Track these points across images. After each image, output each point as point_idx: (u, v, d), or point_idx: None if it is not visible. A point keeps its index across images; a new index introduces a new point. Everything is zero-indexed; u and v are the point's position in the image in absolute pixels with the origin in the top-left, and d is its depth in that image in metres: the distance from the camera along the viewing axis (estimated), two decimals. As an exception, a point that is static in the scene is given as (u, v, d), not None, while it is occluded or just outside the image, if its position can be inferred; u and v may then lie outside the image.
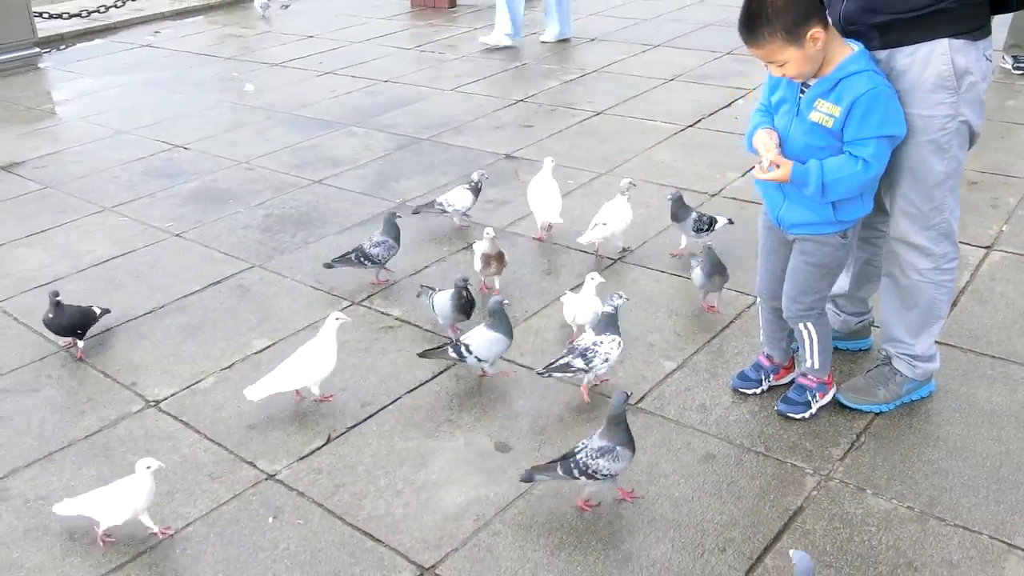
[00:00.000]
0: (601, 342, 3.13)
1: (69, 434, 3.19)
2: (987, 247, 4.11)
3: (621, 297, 3.18)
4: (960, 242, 3.89)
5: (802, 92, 2.66)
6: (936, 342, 3.04)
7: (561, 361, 3.13)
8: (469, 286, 3.51)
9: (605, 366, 3.14)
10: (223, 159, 5.81)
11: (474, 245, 4.03)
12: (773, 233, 2.97)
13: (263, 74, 7.85)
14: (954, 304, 3.64)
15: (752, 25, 2.53)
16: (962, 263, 3.92)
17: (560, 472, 2.65)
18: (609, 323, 3.14)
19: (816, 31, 2.49)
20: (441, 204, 4.50)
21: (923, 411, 3.06)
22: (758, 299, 3.20)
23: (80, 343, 3.64)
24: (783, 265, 2.97)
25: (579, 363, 3.11)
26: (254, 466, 2.98)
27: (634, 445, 2.66)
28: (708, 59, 7.47)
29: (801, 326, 2.97)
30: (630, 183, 4.22)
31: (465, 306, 3.50)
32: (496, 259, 3.82)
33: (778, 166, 2.64)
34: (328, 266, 4.07)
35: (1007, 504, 2.64)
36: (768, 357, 3.19)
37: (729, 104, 6.26)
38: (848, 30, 2.64)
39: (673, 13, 9.29)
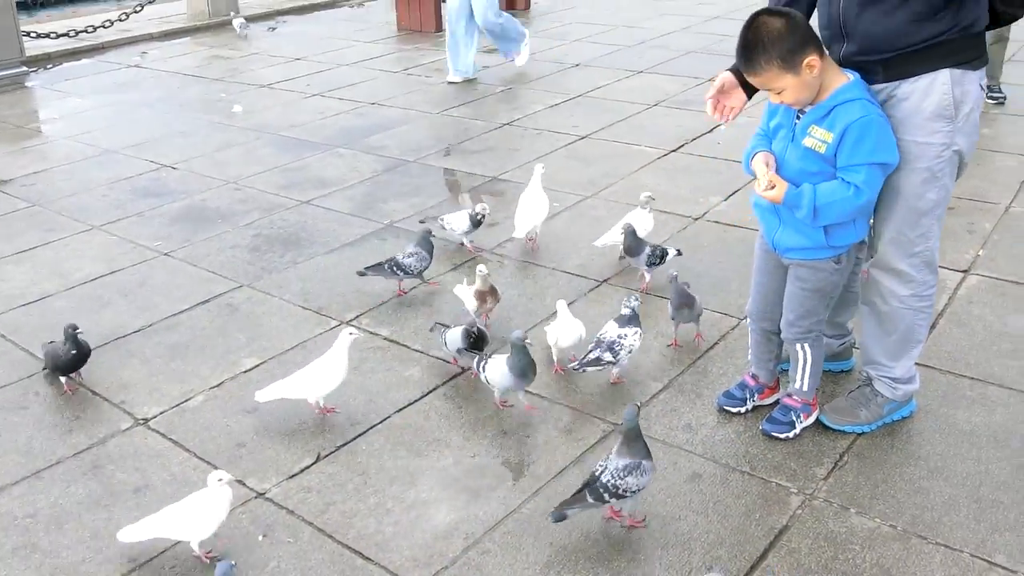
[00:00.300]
0: (625, 335, 3.36)
1: (57, 452, 3.19)
2: (964, 271, 4.19)
3: (637, 299, 3.40)
4: (938, 266, 3.98)
5: (798, 118, 2.72)
6: (916, 364, 3.11)
7: (592, 356, 3.33)
8: (477, 327, 3.50)
9: (628, 357, 3.37)
10: (211, 179, 5.84)
11: (456, 289, 3.92)
12: (768, 256, 3.03)
13: (251, 95, 7.89)
14: (933, 327, 3.70)
15: (749, 54, 2.60)
16: (940, 287, 3.97)
17: (590, 499, 2.64)
18: (632, 319, 3.38)
19: (812, 59, 2.56)
20: (443, 221, 4.59)
21: (904, 431, 3.12)
22: (748, 319, 3.25)
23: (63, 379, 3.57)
24: (776, 287, 3.03)
25: (608, 356, 3.33)
26: (244, 484, 3.00)
27: (652, 456, 2.69)
28: (690, 85, 7.58)
29: (798, 347, 3.02)
30: (649, 196, 4.40)
31: (476, 343, 3.47)
32: (491, 294, 3.77)
33: (774, 186, 2.71)
34: (361, 274, 4.13)
35: (987, 523, 2.69)
36: (754, 376, 3.24)
37: (711, 130, 6.35)
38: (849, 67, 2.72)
39: (656, 40, 9.43)
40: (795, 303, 2.96)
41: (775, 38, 2.55)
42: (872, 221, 2.91)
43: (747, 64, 2.63)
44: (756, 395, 3.23)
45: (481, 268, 3.79)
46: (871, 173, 2.64)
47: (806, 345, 3.01)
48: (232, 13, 10.92)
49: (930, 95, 2.66)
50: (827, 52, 2.68)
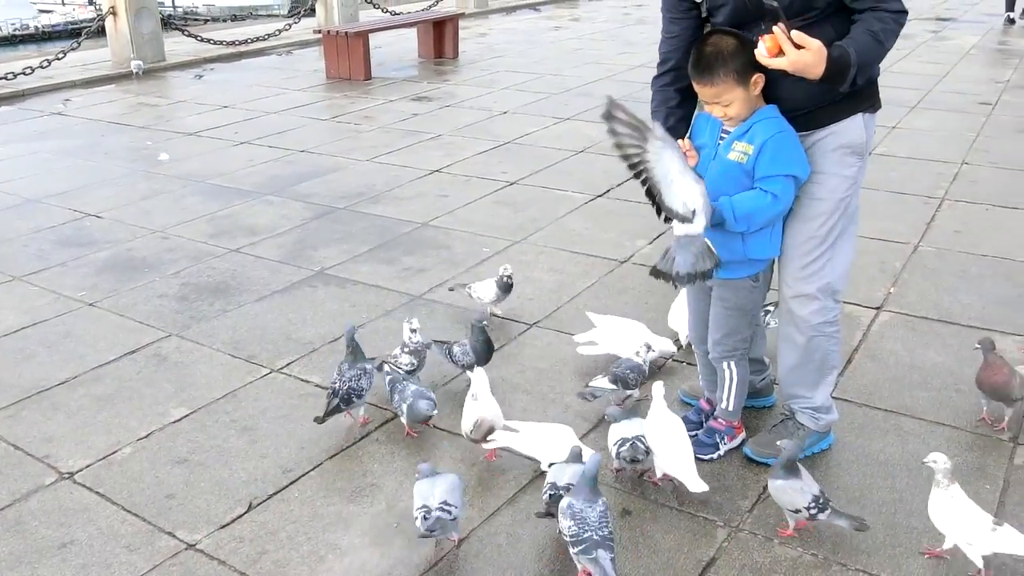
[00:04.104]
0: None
1: (-22, 509, 3.12)
2: (877, 308, 4.38)
3: None
4: (852, 303, 4.16)
5: (721, 139, 2.93)
6: (833, 397, 3.24)
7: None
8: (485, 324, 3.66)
9: None
10: (138, 228, 5.78)
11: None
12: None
13: (178, 143, 7.85)
14: (848, 362, 3.87)
15: (710, 64, 2.77)
16: (854, 323, 4.18)
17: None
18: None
19: (758, 76, 2.78)
20: (470, 291, 4.38)
21: (823, 463, 3.23)
22: (692, 345, 3.45)
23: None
24: (708, 310, 3.22)
25: None
26: (174, 536, 2.96)
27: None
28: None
29: (725, 365, 3.20)
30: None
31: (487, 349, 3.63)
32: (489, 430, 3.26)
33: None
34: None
35: (902, 547, 2.81)
36: (708, 401, 3.37)
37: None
38: None
39: (581, 88, 9.68)
40: (720, 322, 3.16)
41: (733, 52, 2.75)
42: (779, 257, 3.09)
43: (704, 74, 2.80)
44: (710, 420, 3.34)
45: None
46: (786, 183, 2.85)
47: (732, 363, 3.18)
48: (131, 56, 10.87)
49: (847, 134, 2.90)
50: None
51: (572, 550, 2.61)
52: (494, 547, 2.87)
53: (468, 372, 3.53)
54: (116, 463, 3.35)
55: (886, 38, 2.67)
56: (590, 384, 3.58)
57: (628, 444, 3.03)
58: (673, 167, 2.74)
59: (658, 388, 3.09)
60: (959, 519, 2.63)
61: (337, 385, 3.44)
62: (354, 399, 3.44)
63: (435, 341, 3.83)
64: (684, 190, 2.76)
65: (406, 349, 3.68)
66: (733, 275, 3.06)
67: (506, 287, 4.30)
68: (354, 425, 3.53)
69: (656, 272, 2.92)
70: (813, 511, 2.76)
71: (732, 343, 3.17)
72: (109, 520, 3.04)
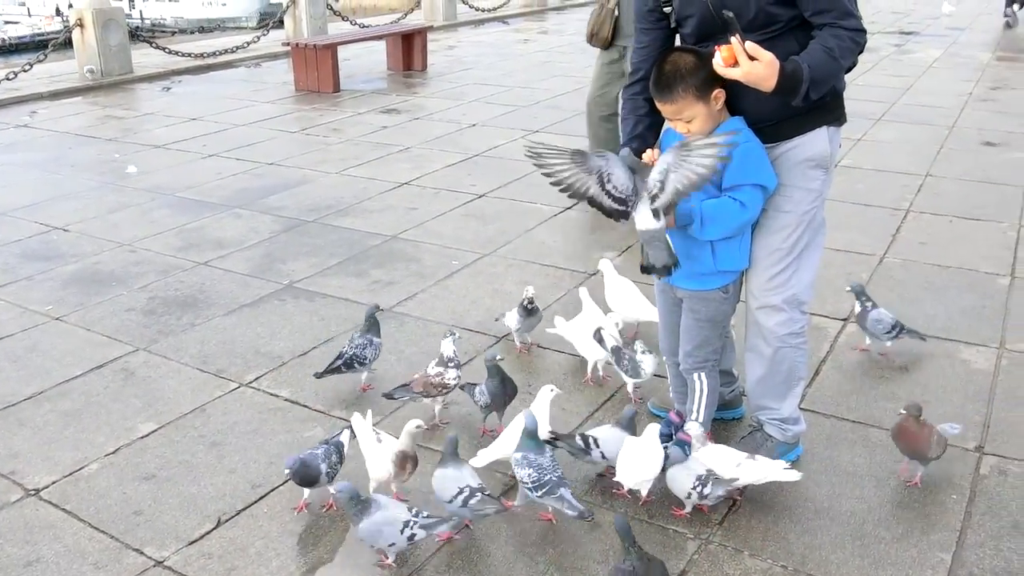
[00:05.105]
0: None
1: (-59, 528, 3.07)
2: (844, 319, 4.43)
3: None
4: (819, 314, 4.20)
5: None
6: (801, 408, 3.28)
7: None
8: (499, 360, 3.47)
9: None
10: (105, 241, 5.72)
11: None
12: (666, 294, 3.28)
13: (146, 156, 7.78)
14: (816, 373, 3.91)
15: (669, 82, 2.80)
16: (822, 335, 4.23)
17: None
18: None
19: (719, 92, 2.81)
20: (504, 319, 4.25)
21: (792, 474, 3.26)
22: (664, 357, 3.46)
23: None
24: (679, 322, 3.25)
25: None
26: (141, 553, 2.93)
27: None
28: (583, 145, 7.81)
29: (695, 376, 3.22)
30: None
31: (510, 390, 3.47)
32: (412, 460, 3.08)
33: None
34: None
35: (871, 558, 2.84)
36: (678, 414, 3.37)
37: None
38: None
39: (549, 101, 9.73)
40: (691, 334, 3.18)
41: (691, 69, 2.78)
42: (747, 269, 3.11)
43: (664, 92, 2.83)
44: (680, 432, 3.34)
45: (418, 424, 3.11)
46: (753, 192, 2.89)
47: (702, 375, 3.21)
48: (86, 66, 10.79)
49: (813, 147, 2.94)
50: None
51: (535, 495, 2.88)
52: (464, 560, 2.87)
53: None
54: (83, 479, 3.31)
55: (842, 55, 2.71)
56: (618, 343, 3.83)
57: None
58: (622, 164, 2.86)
59: (652, 431, 3.08)
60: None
61: (345, 349, 3.80)
62: (356, 365, 3.78)
63: (466, 383, 3.62)
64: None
65: (451, 364, 3.57)
66: (703, 287, 3.10)
67: (527, 311, 4.10)
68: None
69: (644, 269, 3.01)
70: (699, 488, 2.93)
71: (703, 354, 3.20)
72: (76, 537, 3.01)
